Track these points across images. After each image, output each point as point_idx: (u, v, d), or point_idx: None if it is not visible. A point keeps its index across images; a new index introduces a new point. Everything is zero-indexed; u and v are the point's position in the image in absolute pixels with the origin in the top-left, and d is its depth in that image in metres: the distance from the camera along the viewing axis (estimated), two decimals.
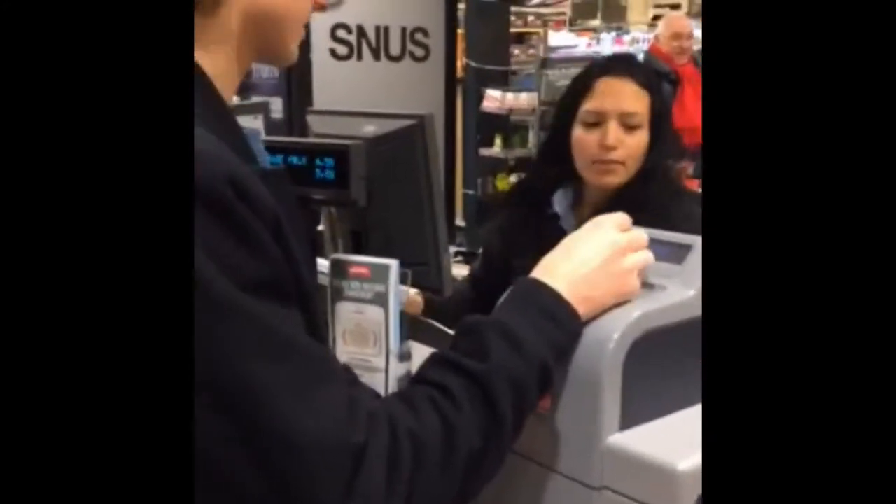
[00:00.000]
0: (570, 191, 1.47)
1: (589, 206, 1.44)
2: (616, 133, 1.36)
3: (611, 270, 0.71)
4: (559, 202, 1.46)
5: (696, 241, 0.77)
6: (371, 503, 0.55)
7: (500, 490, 0.78)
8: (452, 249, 3.06)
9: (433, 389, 0.63)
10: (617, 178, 1.38)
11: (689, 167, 3.46)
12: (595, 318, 0.70)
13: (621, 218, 0.75)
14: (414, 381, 0.66)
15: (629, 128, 1.37)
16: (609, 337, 0.68)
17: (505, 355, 0.64)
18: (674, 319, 0.72)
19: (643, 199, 1.30)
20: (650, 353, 0.70)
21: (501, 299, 0.71)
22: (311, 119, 1.38)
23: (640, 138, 1.38)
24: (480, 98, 5.01)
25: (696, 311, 0.73)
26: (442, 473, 0.59)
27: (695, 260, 0.75)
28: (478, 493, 0.65)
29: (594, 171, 1.39)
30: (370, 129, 1.20)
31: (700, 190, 1.84)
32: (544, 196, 1.47)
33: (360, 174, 1.13)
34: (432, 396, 0.62)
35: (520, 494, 0.75)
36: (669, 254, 0.77)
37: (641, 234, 0.74)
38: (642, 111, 1.38)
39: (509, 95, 4.98)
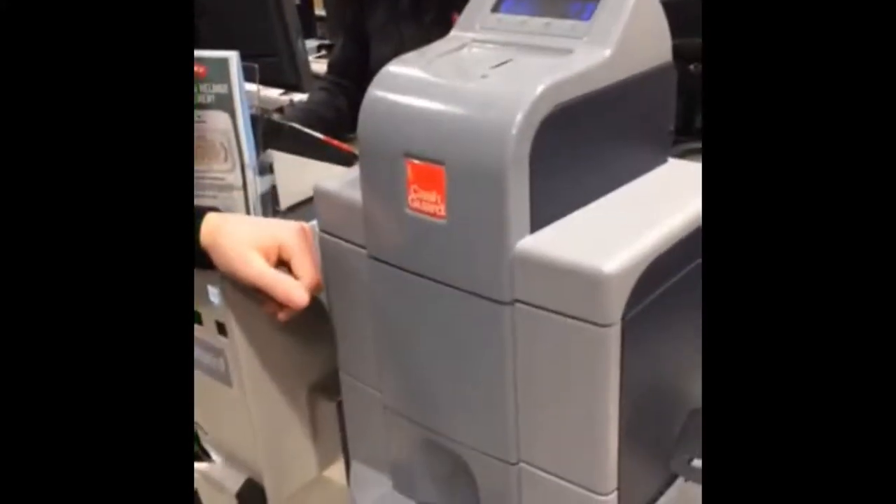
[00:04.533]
0: None
1: None
2: None
3: None
4: None
5: None
6: None
7: (398, 311, 0.66)
8: (314, 43, 2.78)
9: None
10: None
11: None
12: (491, 96, 0.55)
13: None
14: None
15: None
16: (510, 120, 0.54)
17: None
18: (587, 89, 0.58)
19: None
20: (560, 133, 0.57)
21: None
22: None
23: None
24: None
25: (613, 76, 0.59)
26: None
27: (606, 12, 0.60)
28: None
29: None
30: None
31: None
32: None
33: None
34: None
35: (421, 317, 0.63)
36: (572, 8, 0.62)
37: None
38: None
39: None
